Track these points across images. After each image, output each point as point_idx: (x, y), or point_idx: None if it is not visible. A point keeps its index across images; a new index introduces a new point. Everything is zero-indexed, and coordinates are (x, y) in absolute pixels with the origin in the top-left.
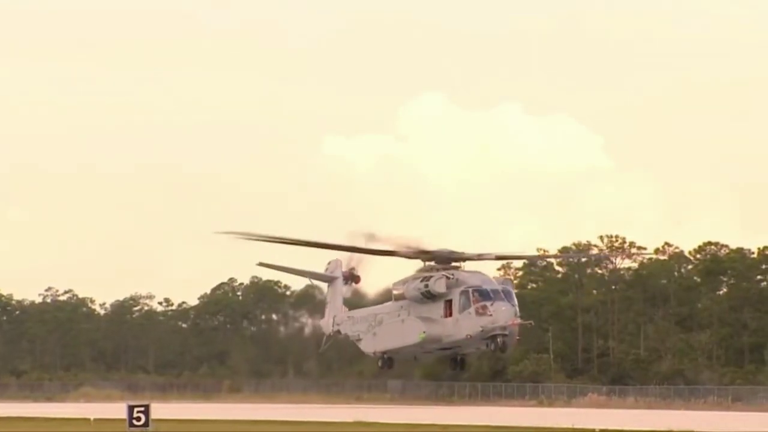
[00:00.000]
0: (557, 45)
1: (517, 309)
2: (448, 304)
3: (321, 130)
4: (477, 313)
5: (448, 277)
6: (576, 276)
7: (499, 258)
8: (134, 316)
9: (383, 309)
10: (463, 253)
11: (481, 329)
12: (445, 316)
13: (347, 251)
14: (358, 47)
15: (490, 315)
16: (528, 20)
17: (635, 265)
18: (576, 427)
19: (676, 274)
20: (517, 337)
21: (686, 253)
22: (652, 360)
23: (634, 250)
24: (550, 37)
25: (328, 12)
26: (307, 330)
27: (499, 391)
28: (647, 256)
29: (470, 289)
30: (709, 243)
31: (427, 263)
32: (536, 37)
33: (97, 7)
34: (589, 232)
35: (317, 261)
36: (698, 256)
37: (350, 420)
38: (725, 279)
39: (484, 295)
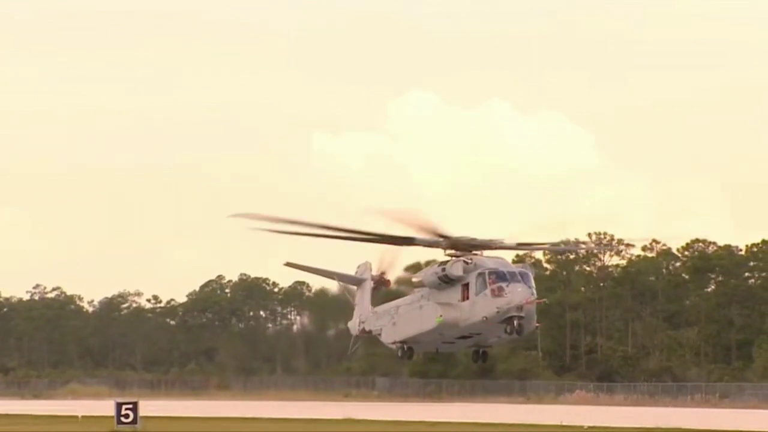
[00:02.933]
0: (547, 43)
1: (534, 291)
2: (465, 287)
3: (310, 127)
4: (493, 294)
5: (466, 262)
6: (564, 273)
7: (520, 246)
8: (122, 313)
9: (404, 300)
10: (485, 240)
11: (496, 311)
12: (462, 300)
13: (366, 238)
14: (347, 45)
15: (506, 296)
16: (518, 19)
17: (623, 262)
18: (564, 424)
19: (664, 271)
20: (537, 324)
21: (674, 251)
22: (640, 357)
23: (622, 247)
24: (540, 35)
25: (317, 10)
26: (296, 327)
27: (487, 389)
28: (637, 249)
29: (486, 272)
30: (697, 240)
31: (448, 251)
32: (526, 35)
33: (87, 8)
34: (578, 229)
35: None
36: (686, 253)
37: (339, 417)
38: (713, 276)
39: (500, 276)
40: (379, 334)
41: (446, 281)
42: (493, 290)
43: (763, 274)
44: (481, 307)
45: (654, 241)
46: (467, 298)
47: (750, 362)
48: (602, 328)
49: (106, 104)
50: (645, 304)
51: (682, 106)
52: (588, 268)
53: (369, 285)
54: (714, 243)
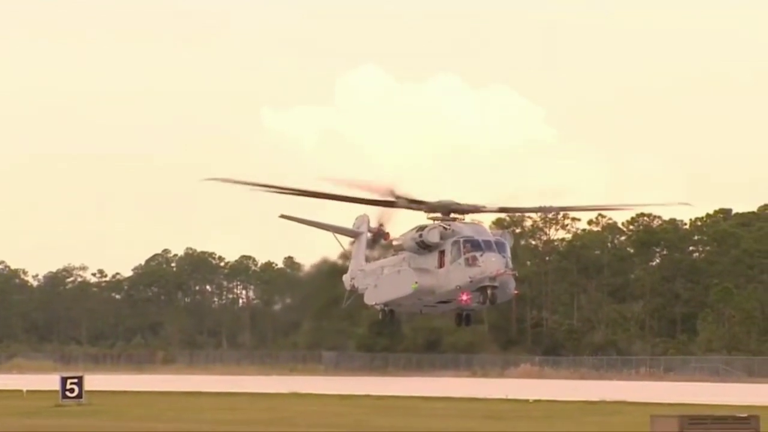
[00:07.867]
0: (496, 17)
1: (509, 261)
2: (442, 254)
3: (259, 103)
4: (467, 264)
5: (444, 228)
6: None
7: (502, 210)
8: (67, 287)
9: (389, 262)
10: (465, 204)
11: (469, 280)
12: (439, 267)
13: (341, 197)
14: (296, 20)
15: (479, 266)
16: None
17: (569, 236)
18: (510, 397)
19: (609, 245)
20: (516, 291)
21: (619, 224)
22: (585, 330)
23: (568, 221)
24: (489, 9)
25: None
26: (242, 302)
27: (433, 362)
28: (582, 223)
29: (461, 240)
30: (642, 214)
31: (429, 215)
32: (475, 8)
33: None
34: (528, 204)
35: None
36: (631, 227)
37: (285, 391)
38: (658, 250)
39: (475, 245)
40: (363, 294)
41: (424, 247)
42: (467, 259)
43: (708, 248)
44: (454, 276)
45: (600, 215)
46: (443, 265)
47: (694, 335)
48: (548, 302)
49: (48, 84)
50: (590, 278)
51: (632, 79)
52: (534, 242)
53: (365, 239)
54: (659, 217)
